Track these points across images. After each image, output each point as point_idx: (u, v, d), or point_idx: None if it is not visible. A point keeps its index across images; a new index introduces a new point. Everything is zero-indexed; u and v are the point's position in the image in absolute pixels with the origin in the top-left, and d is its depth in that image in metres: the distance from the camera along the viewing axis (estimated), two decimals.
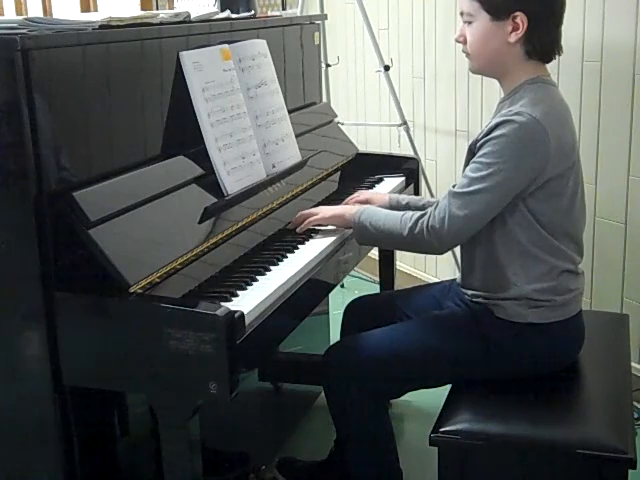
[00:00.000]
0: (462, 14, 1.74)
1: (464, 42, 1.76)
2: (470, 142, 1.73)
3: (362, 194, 2.13)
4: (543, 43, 1.70)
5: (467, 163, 1.72)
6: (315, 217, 1.92)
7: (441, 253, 1.76)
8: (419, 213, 1.73)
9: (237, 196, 1.81)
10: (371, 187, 2.35)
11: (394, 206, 2.00)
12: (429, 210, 1.71)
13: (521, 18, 1.66)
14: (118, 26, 1.69)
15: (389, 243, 1.91)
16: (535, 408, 1.66)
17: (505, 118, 1.64)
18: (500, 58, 1.72)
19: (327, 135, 2.45)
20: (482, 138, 1.67)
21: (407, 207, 2.00)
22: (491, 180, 1.63)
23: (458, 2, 1.76)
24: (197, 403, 1.43)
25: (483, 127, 1.70)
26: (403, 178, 2.46)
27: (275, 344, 1.91)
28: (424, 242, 1.71)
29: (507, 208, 1.68)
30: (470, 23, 1.72)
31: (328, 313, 2.76)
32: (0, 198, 1.46)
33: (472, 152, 1.72)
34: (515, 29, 1.67)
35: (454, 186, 1.69)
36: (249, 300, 1.52)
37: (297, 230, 1.91)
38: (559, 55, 1.74)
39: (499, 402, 1.69)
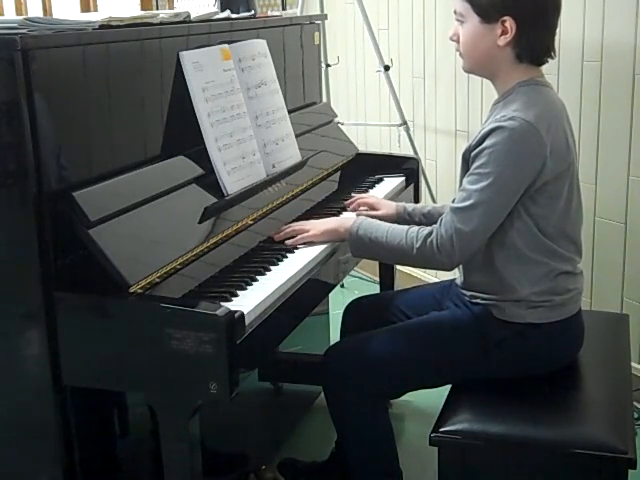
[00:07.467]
0: (455, 13, 1.74)
1: (457, 41, 1.75)
2: (464, 150, 1.71)
3: (369, 197, 2.12)
4: (533, 48, 1.68)
5: (463, 172, 1.71)
6: (307, 235, 1.84)
7: (451, 269, 1.72)
8: (425, 230, 1.69)
9: (237, 196, 1.81)
10: (371, 187, 2.35)
11: (401, 214, 2.01)
12: (434, 228, 1.67)
13: (509, 23, 1.65)
14: (118, 26, 1.69)
15: (391, 259, 1.90)
16: (535, 408, 1.66)
17: (498, 124, 1.62)
18: (491, 60, 1.71)
19: (327, 135, 2.45)
20: (476, 147, 1.65)
21: (413, 216, 2.00)
22: (491, 191, 1.61)
23: (452, 1, 1.75)
24: (197, 403, 1.43)
25: (476, 133, 1.67)
26: (403, 178, 2.46)
27: (275, 344, 1.91)
28: (434, 261, 1.68)
29: None
30: (462, 23, 1.72)
31: (328, 313, 2.76)
32: (0, 198, 1.46)
33: (466, 160, 1.70)
34: (504, 33, 1.66)
35: (454, 200, 1.67)
36: (249, 300, 1.52)
37: (287, 243, 1.82)
38: (552, 59, 1.72)
39: (499, 402, 1.69)
